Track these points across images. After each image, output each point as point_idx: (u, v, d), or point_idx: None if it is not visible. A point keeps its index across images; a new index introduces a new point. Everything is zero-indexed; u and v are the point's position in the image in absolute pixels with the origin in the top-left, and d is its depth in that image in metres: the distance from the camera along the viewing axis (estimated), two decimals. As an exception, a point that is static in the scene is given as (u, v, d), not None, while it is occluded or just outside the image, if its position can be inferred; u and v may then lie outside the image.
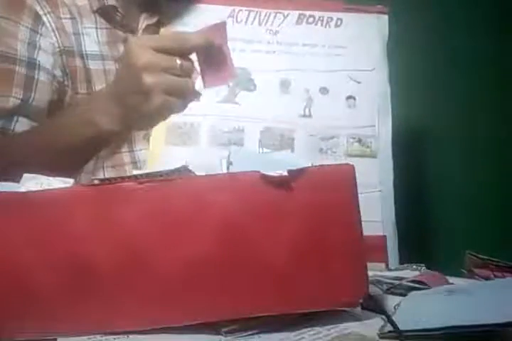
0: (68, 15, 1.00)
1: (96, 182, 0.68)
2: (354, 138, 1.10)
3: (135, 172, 0.69)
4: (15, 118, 0.98)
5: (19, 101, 0.98)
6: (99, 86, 1.02)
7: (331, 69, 1.13)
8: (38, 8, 0.98)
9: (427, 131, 1.65)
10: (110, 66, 1.03)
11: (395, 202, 1.10)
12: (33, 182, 0.69)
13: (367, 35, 1.15)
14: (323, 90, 1.12)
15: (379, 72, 1.14)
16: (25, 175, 0.70)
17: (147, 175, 0.68)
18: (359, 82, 1.13)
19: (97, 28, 1.03)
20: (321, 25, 1.14)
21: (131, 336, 0.64)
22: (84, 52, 1.01)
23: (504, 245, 1.47)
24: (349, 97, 1.12)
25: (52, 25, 0.99)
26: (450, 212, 1.62)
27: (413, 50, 1.58)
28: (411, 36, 1.56)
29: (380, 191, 1.08)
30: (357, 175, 0.68)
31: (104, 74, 1.03)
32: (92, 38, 1.02)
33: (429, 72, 1.62)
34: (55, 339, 0.64)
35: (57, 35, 1.00)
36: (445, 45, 1.63)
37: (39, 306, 0.64)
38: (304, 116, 1.11)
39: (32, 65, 0.98)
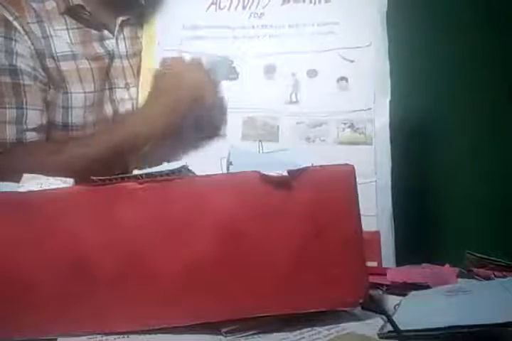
0: (35, 19, 1.02)
1: (96, 182, 0.68)
2: (345, 124, 1.01)
3: (135, 172, 0.69)
4: (20, 127, 1.00)
5: (14, 109, 0.99)
6: (72, 85, 1.03)
7: (321, 49, 1.03)
8: (7, 15, 1.00)
9: (430, 115, 1.45)
10: (84, 65, 1.05)
11: (392, 195, 1.00)
12: (33, 182, 0.69)
13: (362, 7, 1.04)
14: (312, 73, 1.03)
15: (376, 48, 1.03)
16: (25, 175, 0.70)
17: (147, 175, 0.68)
18: (352, 61, 1.02)
19: (67, 28, 1.05)
20: (310, 2, 1.05)
21: (131, 336, 0.65)
22: (54, 54, 1.03)
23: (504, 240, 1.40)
24: (341, 79, 1.02)
25: (24, 28, 1.01)
26: (453, 205, 1.46)
27: (416, 22, 1.38)
28: (413, 5, 1.36)
29: (375, 181, 0.98)
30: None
31: (78, 72, 1.04)
32: (63, 39, 1.04)
33: (434, 46, 1.42)
34: (55, 339, 0.64)
35: (30, 38, 1.01)
36: (453, 17, 1.43)
37: (40, 306, 0.64)
38: (291, 102, 1.03)
39: (14, 71, 1.00)
